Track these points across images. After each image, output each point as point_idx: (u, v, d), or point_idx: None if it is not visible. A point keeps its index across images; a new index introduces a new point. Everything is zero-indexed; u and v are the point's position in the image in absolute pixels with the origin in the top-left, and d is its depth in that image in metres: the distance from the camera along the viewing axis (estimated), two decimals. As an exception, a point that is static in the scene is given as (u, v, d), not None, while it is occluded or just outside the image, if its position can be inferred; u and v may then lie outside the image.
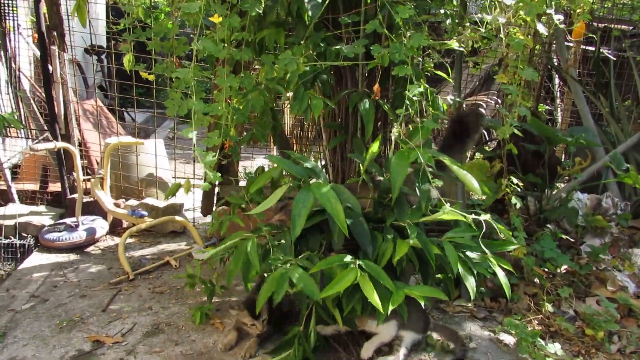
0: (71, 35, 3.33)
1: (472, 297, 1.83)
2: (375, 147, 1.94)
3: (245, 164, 3.83)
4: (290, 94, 2.08)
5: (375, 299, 1.62)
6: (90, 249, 3.09)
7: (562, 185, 3.46)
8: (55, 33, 3.16)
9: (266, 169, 2.28)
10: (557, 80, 5.01)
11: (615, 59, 3.99)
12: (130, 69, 2.12)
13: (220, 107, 1.74)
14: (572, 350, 2.18)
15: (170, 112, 1.86)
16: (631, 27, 4.90)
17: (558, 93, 4.99)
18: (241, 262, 1.82)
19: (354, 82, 2.29)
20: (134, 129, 4.11)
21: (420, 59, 2.60)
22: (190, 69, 1.74)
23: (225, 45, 1.78)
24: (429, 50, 2.60)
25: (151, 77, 2.10)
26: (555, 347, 2.09)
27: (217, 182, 3.41)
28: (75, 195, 3.19)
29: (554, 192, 3.19)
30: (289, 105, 2.01)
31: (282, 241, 1.89)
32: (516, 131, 2.17)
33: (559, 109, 5.00)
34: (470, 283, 1.84)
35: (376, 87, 1.93)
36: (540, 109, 4.09)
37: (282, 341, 1.91)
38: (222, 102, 1.76)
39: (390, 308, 1.66)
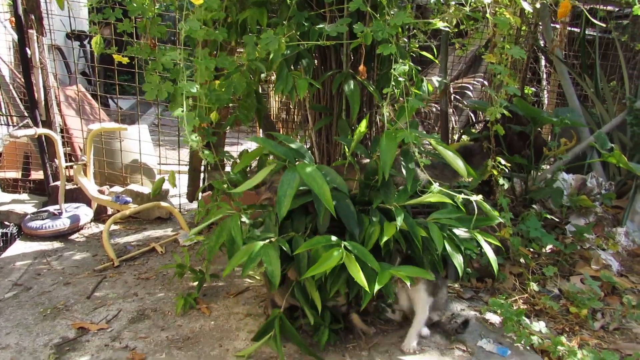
0: (50, 19, 3.25)
1: (460, 275, 1.83)
2: (362, 127, 1.92)
3: (232, 150, 3.80)
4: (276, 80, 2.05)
5: (361, 278, 1.61)
6: (74, 236, 3.05)
7: (548, 166, 3.48)
8: (32, 16, 3.09)
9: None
10: (543, 62, 5.01)
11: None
12: (98, 52, 2.07)
13: (197, 89, 1.70)
14: (556, 328, 2.21)
15: (149, 97, 1.82)
16: (617, 9, 4.90)
17: (544, 75, 5.00)
18: (223, 238, 1.80)
19: (338, 63, 2.27)
20: (117, 115, 4.04)
21: (406, 40, 2.58)
22: (179, 51, 1.70)
23: (203, 26, 1.74)
24: (414, 31, 2.58)
25: (125, 60, 2.05)
26: (539, 325, 2.11)
27: (203, 168, 3.38)
28: (58, 183, 3.14)
29: (539, 173, 3.21)
30: (274, 89, 1.98)
31: (269, 219, 1.87)
32: (505, 112, 2.16)
33: (545, 91, 5.01)
34: (458, 260, 1.84)
35: (361, 67, 1.91)
36: (526, 91, 4.09)
37: (264, 324, 1.89)
38: (198, 84, 1.72)
39: (377, 287, 1.66)
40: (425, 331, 2.09)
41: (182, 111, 1.61)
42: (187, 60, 1.81)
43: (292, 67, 2.03)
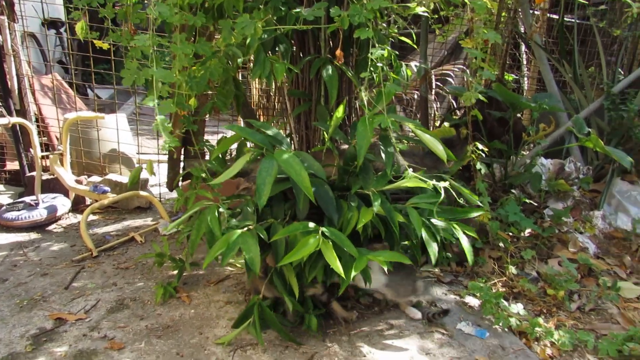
0: (21, 5, 3.17)
1: (434, 262, 1.84)
2: (339, 113, 1.91)
3: (212, 139, 3.77)
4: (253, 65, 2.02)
5: (337, 264, 1.61)
6: (51, 227, 3.00)
7: (528, 152, 3.51)
8: (3, 2, 3.01)
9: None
10: (523, 48, 5.04)
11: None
12: (83, 37, 2.03)
13: (175, 75, 1.67)
14: (534, 310, 2.24)
15: (126, 82, 1.78)
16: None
17: (524, 61, 5.03)
18: (202, 230, 1.79)
19: (317, 49, 2.25)
20: (95, 105, 3.97)
21: (385, 25, 2.56)
22: (149, 36, 1.67)
23: (178, 11, 1.71)
24: (394, 16, 2.57)
25: (105, 46, 2.01)
26: (517, 307, 2.14)
27: (182, 157, 3.35)
28: (34, 173, 3.09)
29: (519, 159, 3.23)
30: (251, 74, 1.95)
31: (247, 208, 1.86)
32: (481, 97, 2.17)
33: (525, 77, 5.04)
34: (433, 249, 1.85)
35: (338, 52, 1.89)
36: (507, 78, 4.11)
37: (243, 311, 1.89)
38: (177, 70, 1.70)
39: (353, 274, 1.66)
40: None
41: (154, 101, 1.58)
42: (165, 47, 1.78)
43: (270, 53, 2.01)
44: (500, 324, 2.08)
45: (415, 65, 2.52)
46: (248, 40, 1.88)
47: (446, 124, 3.74)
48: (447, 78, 4.82)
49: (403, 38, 2.46)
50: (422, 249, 1.98)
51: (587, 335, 1.99)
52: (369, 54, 1.75)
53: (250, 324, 1.83)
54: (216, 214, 1.78)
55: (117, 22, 3.65)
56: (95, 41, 2.12)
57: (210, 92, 2.32)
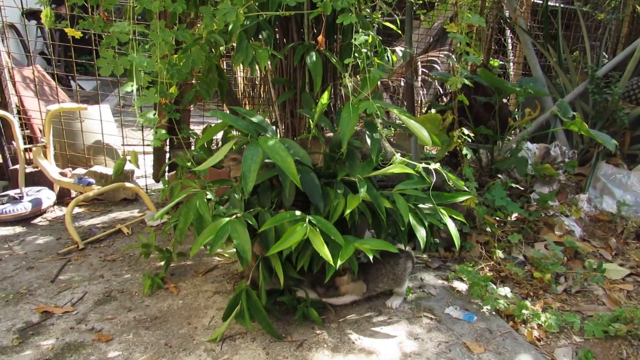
0: (-1, -5, 3.11)
1: (423, 248, 1.84)
2: (324, 99, 1.90)
3: (198, 129, 3.73)
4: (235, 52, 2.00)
5: (325, 252, 1.61)
6: (37, 220, 2.97)
7: (514, 137, 3.52)
8: (-20, -8, 2.94)
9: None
10: (508, 33, 5.04)
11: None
12: (49, 25, 1.98)
13: (156, 63, 1.64)
14: (521, 293, 2.26)
15: (104, 72, 1.76)
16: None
17: (510, 46, 5.03)
18: (191, 217, 1.77)
19: (300, 36, 2.23)
20: (77, 96, 3.92)
21: (369, 11, 2.54)
22: (127, 23, 1.63)
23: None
24: (377, 1, 2.55)
25: (77, 34, 1.97)
26: (505, 291, 2.16)
27: (168, 147, 3.32)
28: (17, 166, 3.04)
29: (505, 144, 3.25)
30: (234, 61, 1.92)
31: (235, 195, 1.84)
32: (466, 81, 2.17)
33: (511, 63, 5.05)
34: (421, 234, 1.85)
35: (320, 38, 1.88)
36: (492, 64, 4.12)
37: (231, 300, 1.88)
38: (157, 58, 1.67)
39: (340, 262, 1.66)
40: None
41: (133, 86, 1.55)
42: (145, 35, 1.75)
43: (253, 40, 1.98)
44: (488, 308, 2.10)
45: (400, 50, 2.51)
46: (230, 27, 1.85)
47: (433, 110, 3.75)
48: (433, 65, 4.81)
49: (387, 23, 2.45)
50: (409, 235, 1.99)
51: (573, 317, 2.01)
52: (353, 40, 1.74)
53: (238, 313, 1.82)
54: (205, 199, 1.76)
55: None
56: (66, 29, 2.07)
57: (193, 82, 2.29)
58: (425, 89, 4.80)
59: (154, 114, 1.71)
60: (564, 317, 2.02)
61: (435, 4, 4.30)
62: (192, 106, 3.35)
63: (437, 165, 1.83)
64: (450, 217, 1.96)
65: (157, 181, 3.38)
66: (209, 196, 1.82)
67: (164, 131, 1.80)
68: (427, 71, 4.72)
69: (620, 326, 1.93)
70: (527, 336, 1.95)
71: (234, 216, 1.73)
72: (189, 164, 2.01)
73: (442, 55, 4.80)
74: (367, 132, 1.90)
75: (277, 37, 2.33)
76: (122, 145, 3.75)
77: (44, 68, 4.42)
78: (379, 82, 4.28)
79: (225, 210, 1.80)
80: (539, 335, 1.96)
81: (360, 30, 1.77)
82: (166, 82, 1.86)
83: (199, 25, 2.49)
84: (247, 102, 3.93)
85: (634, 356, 1.83)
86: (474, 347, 1.86)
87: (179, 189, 2.19)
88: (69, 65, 6.25)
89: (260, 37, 2.03)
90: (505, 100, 3.59)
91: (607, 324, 1.95)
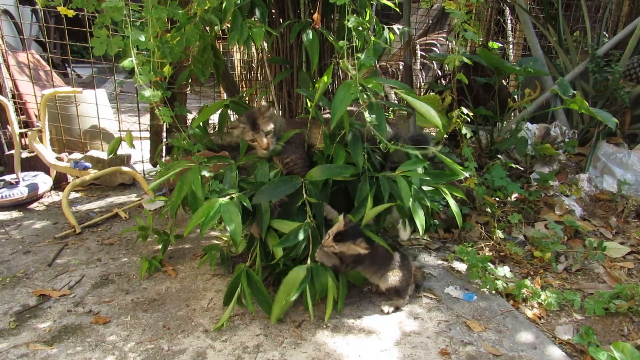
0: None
1: (421, 232, 1.82)
2: (326, 78, 1.85)
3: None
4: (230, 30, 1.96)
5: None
6: (33, 205, 2.95)
7: (513, 117, 3.49)
8: (-29, -26, 2.89)
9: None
10: (508, 14, 4.98)
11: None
12: (43, 5, 1.94)
13: (150, 41, 1.61)
14: (521, 273, 2.25)
15: (97, 52, 1.72)
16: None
17: (510, 27, 4.98)
18: (184, 192, 1.75)
19: (296, 14, 2.19)
20: (72, 83, 3.87)
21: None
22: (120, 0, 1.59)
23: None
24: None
25: (70, 13, 1.93)
26: (504, 270, 2.14)
27: (165, 130, 3.29)
28: (13, 151, 3.01)
29: (504, 124, 3.22)
30: (229, 40, 1.88)
31: (229, 172, 1.82)
32: (465, 59, 2.13)
33: (510, 44, 5.00)
34: (420, 217, 1.82)
35: (315, 16, 1.84)
36: (491, 45, 4.06)
37: (231, 281, 1.86)
38: (150, 36, 1.63)
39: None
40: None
41: (133, 60, 1.52)
42: (137, 12, 1.71)
43: (247, 17, 1.94)
44: (488, 287, 2.08)
45: (398, 29, 2.46)
46: (224, 5, 1.81)
47: (431, 92, 3.71)
48: (432, 48, 4.76)
49: (385, 1, 2.40)
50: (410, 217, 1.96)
51: (573, 295, 2.00)
52: (346, 20, 1.70)
53: (238, 295, 1.80)
54: (199, 175, 1.74)
55: None
56: (59, 8, 2.03)
57: (189, 63, 2.25)
58: (424, 73, 4.75)
59: (152, 91, 1.68)
60: (565, 296, 2.01)
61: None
62: (188, 89, 3.31)
63: (439, 148, 1.80)
64: (451, 194, 1.94)
65: (155, 165, 3.36)
66: (204, 172, 1.79)
67: (163, 108, 1.77)
68: (425, 54, 4.67)
69: (621, 303, 1.92)
70: (527, 315, 1.94)
71: (228, 197, 1.70)
72: (184, 142, 1.97)
73: (441, 38, 4.74)
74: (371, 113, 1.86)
75: (274, 16, 2.29)
76: (119, 130, 3.71)
77: (40, 54, 4.37)
78: (377, 66, 4.23)
79: (219, 188, 1.77)
80: (539, 313, 1.95)
81: (357, 8, 1.72)
82: (159, 61, 1.83)
83: (193, 3, 2.45)
84: (244, 85, 3.90)
85: (635, 332, 1.82)
86: (474, 325, 1.85)
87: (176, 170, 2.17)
88: (64, 51, 6.18)
89: (254, 15, 1.99)
90: (504, 82, 3.55)
91: (608, 301, 1.94)
